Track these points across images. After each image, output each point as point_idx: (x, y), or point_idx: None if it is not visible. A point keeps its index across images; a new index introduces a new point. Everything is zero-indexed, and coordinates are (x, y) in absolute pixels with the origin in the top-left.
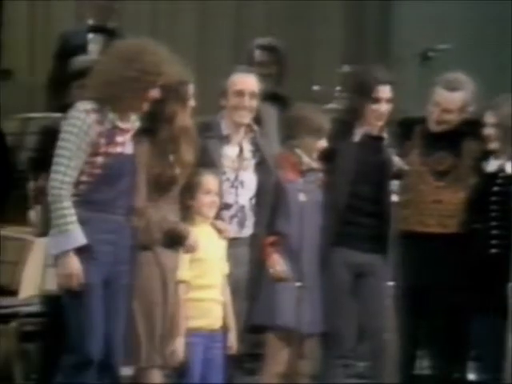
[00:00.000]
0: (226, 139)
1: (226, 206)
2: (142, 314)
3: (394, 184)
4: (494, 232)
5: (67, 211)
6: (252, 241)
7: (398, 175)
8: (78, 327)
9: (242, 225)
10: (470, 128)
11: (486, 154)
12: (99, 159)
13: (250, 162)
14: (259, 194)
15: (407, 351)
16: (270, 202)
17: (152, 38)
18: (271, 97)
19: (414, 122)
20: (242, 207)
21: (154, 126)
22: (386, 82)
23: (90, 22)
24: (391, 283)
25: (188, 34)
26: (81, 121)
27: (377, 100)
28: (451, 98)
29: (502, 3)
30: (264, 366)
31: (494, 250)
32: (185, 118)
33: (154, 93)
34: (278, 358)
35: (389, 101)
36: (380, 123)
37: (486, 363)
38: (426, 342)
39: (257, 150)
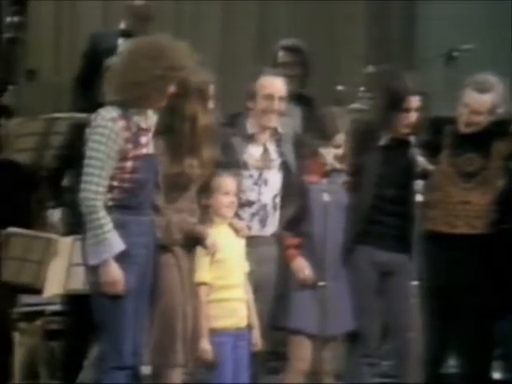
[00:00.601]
0: (250, 139)
1: (248, 203)
2: (161, 314)
3: (419, 184)
4: None
5: (104, 220)
6: (277, 240)
7: (423, 175)
8: (114, 332)
9: (263, 223)
10: (499, 129)
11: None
12: (128, 164)
13: (275, 162)
14: (283, 194)
15: (435, 351)
16: (294, 202)
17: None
18: (295, 98)
19: (440, 121)
20: (265, 205)
21: (173, 125)
22: (417, 93)
23: (122, 26)
24: (415, 282)
25: (212, 35)
26: (108, 129)
27: (407, 110)
28: (480, 99)
29: None
30: (288, 365)
31: None
32: (206, 118)
33: (173, 88)
34: (302, 357)
35: (418, 110)
36: (408, 131)
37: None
38: (453, 341)
39: (281, 151)
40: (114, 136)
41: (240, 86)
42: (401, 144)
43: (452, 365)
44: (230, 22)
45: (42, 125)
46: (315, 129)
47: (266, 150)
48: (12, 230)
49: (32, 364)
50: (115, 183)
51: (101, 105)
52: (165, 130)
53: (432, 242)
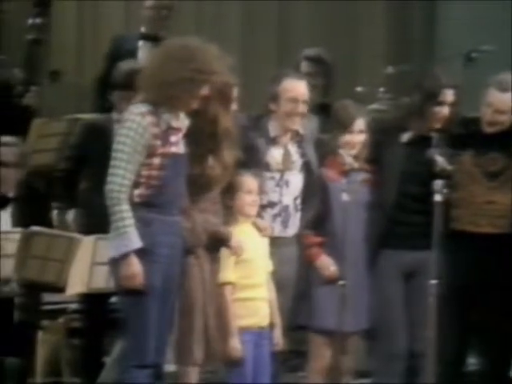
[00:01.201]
0: (272, 141)
1: (270, 204)
2: (181, 313)
3: (437, 184)
4: None
5: (126, 214)
6: (298, 240)
7: (442, 175)
8: (138, 330)
9: (285, 224)
10: None
11: None
12: (156, 160)
13: (296, 163)
14: (305, 194)
15: (454, 350)
16: (316, 202)
17: None
18: (318, 108)
19: (468, 121)
20: (286, 207)
21: (195, 127)
22: (451, 86)
23: (143, 29)
24: (435, 281)
25: (232, 39)
26: (136, 123)
27: (441, 103)
28: (503, 98)
29: None
30: (308, 363)
31: None
32: (227, 120)
33: (205, 91)
34: (322, 355)
35: (451, 104)
36: (438, 125)
37: None
38: (472, 340)
39: (302, 153)
40: (142, 130)
41: (260, 87)
42: (424, 141)
43: (472, 363)
44: (251, 23)
45: (65, 125)
46: (332, 121)
47: (287, 152)
48: (35, 228)
49: (55, 361)
50: (142, 180)
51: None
52: (187, 131)
53: (456, 241)
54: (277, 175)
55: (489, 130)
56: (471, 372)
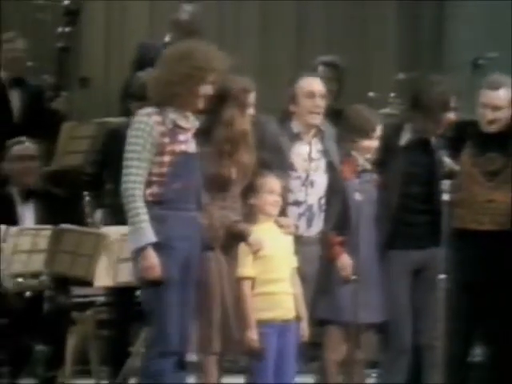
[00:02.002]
0: (297, 137)
1: (296, 203)
2: (201, 305)
3: (445, 184)
4: None
5: (140, 210)
6: (322, 239)
7: (450, 175)
8: (159, 319)
9: (309, 223)
10: None
11: None
12: (166, 158)
13: (321, 163)
14: (329, 193)
15: (461, 342)
16: (339, 201)
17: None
18: (332, 112)
19: (466, 124)
20: (311, 206)
21: (211, 128)
22: (456, 94)
23: (167, 38)
24: (443, 276)
25: (251, 47)
26: (143, 123)
27: (449, 110)
28: (496, 95)
29: None
30: (324, 355)
31: None
32: (243, 123)
33: (207, 90)
34: (338, 347)
35: (454, 109)
36: (444, 130)
37: None
38: (479, 333)
39: (325, 150)
40: (149, 129)
41: (279, 90)
42: (422, 143)
43: (477, 353)
44: (268, 37)
45: (93, 129)
46: (348, 126)
47: (311, 150)
48: (65, 226)
49: (84, 351)
50: (154, 178)
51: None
52: (204, 133)
53: (460, 239)
54: (303, 175)
55: (489, 129)
56: (476, 363)
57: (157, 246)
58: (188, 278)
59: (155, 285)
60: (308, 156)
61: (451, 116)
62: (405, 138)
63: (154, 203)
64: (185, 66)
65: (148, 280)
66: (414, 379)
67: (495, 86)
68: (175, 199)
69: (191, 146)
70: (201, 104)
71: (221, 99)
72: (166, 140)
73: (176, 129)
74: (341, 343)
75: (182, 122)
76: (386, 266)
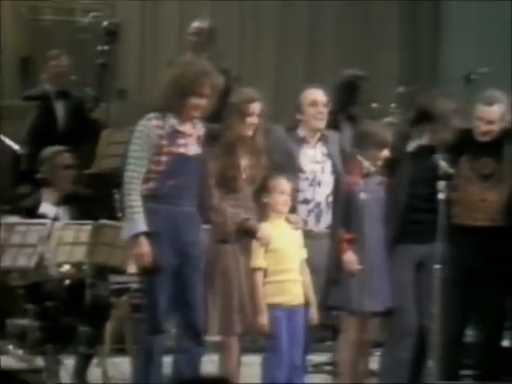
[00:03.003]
0: (303, 140)
1: (305, 201)
2: (221, 292)
3: (441, 184)
4: None
5: (134, 203)
6: (331, 235)
7: (445, 177)
8: (149, 301)
9: (318, 219)
10: (508, 136)
11: None
12: (163, 158)
13: (327, 165)
14: (335, 193)
15: (456, 324)
16: (343, 200)
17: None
18: (346, 117)
19: (463, 132)
20: (319, 203)
21: (215, 134)
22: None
23: (188, 53)
24: (438, 266)
25: (268, 60)
26: (143, 126)
27: (449, 122)
28: (491, 110)
29: None
30: (340, 337)
31: None
32: (241, 129)
33: (199, 101)
34: (351, 330)
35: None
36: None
37: None
38: (472, 315)
39: (328, 153)
40: (147, 131)
41: (291, 101)
42: (427, 149)
43: (469, 334)
44: (284, 49)
45: (129, 135)
46: (364, 139)
47: (316, 152)
48: (103, 221)
49: (120, 332)
50: (152, 175)
51: None
52: (212, 139)
53: (457, 233)
54: (310, 176)
55: (482, 139)
56: (469, 343)
57: (149, 236)
58: (188, 265)
59: (147, 270)
60: (314, 158)
61: (455, 126)
62: (412, 145)
63: (149, 197)
64: (177, 81)
65: (140, 265)
66: (418, 358)
67: (490, 102)
68: (168, 195)
69: (191, 149)
70: (195, 113)
71: (225, 108)
72: (164, 142)
73: (175, 133)
74: (354, 327)
75: (182, 128)
76: (393, 259)
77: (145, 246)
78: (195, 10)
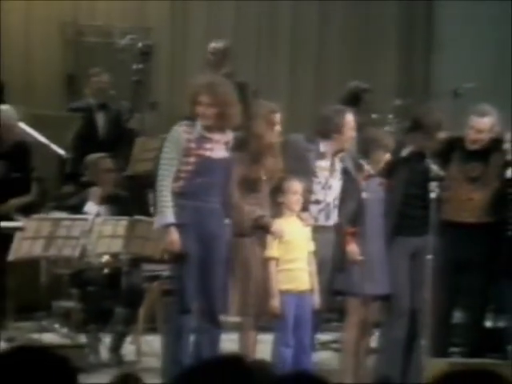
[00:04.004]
0: (322, 155)
1: (316, 202)
2: (240, 280)
3: (432, 185)
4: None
5: (164, 198)
6: (336, 229)
7: (435, 179)
8: (178, 284)
9: (327, 217)
10: (495, 145)
11: (507, 164)
12: (191, 159)
13: (337, 172)
14: (343, 194)
15: (447, 308)
16: (354, 200)
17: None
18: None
19: (453, 140)
20: (328, 204)
21: (245, 141)
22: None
23: (207, 70)
24: (431, 256)
25: (281, 75)
26: (174, 131)
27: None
28: (482, 121)
29: None
30: (346, 319)
31: (510, 233)
32: (270, 137)
33: (202, 109)
34: (355, 313)
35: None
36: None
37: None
38: (460, 299)
39: (342, 158)
40: (177, 135)
41: (303, 112)
42: (419, 155)
43: (457, 316)
44: (295, 65)
45: (160, 142)
46: (371, 144)
47: (333, 164)
48: (137, 217)
49: (152, 313)
50: (181, 174)
51: None
52: (240, 145)
53: (446, 228)
54: (323, 180)
55: (471, 147)
56: (457, 324)
57: (179, 228)
58: (211, 255)
59: (176, 256)
60: (329, 168)
61: (443, 135)
62: (406, 151)
63: (178, 194)
64: (187, 93)
65: (170, 252)
66: (412, 336)
67: (482, 114)
68: (195, 192)
69: (217, 153)
70: (209, 122)
71: (253, 118)
72: (193, 145)
73: (202, 138)
74: (358, 309)
75: (209, 134)
76: (391, 250)
77: (174, 235)
78: (218, 33)
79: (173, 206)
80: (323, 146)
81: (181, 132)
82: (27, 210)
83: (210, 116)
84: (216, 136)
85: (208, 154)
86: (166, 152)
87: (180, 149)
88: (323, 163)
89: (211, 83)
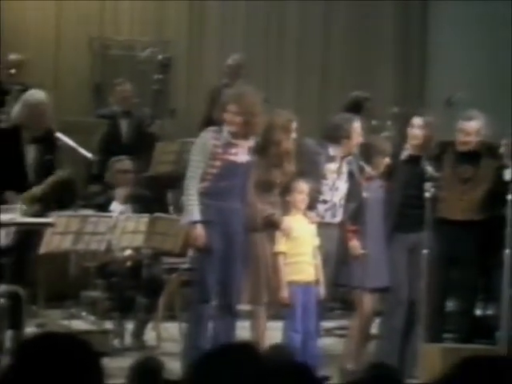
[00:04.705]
0: (331, 158)
1: (324, 201)
2: (252, 271)
3: (427, 185)
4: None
5: (191, 197)
6: (340, 227)
7: (430, 179)
8: (200, 275)
9: (333, 215)
10: (485, 149)
11: (502, 167)
12: (217, 163)
13: (344, 174)
14: (348, 195)
15: (440, 298)
16: (357, 199)
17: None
18: None
19: (446, 144)
20: (335, 204)
21: (265, 147)
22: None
23: (224, 80)
24: (426, 251)
25: (289, 85)
26: (202, 136)
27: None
28: (469, 124)
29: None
30: (357, 310)
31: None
32: (288, 143)
33: (228, 117)
34: (362, 304)
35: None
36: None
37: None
38: (452, 290)
39: (350, 167)
40: (204, 140)
41: (309, 119)
42: (416, 158)
43: (449, 305)
44: (302, 76)
45: (179, 146)
46: (373, 152)
47: (340, 166)
48: (157, 214)
49: (171, 302)
50: (207, 177)
51: None
52: (261, 151)
53: (440, 226)
54: (331, 183)
55: (461, 148)
56: (450, 312)
57: (204, 224)
58: (231, 250)
59: (200, 250)
60: (337, 170)
61: (435, 139)
62: (404, 155)
63: (204, 194)
64: (220, 101)
65: (195, 246)
66: (409, 324)
67: (469, 118)
68: (219, 193)
69: (241, 158)
70: (233, 128)
71: (272, 126)
72: (219, 150)
73: (228, 144)
74: (366, 300)
75: (235, 140)
76: (391, 245)
77: (200, 231)
78: (231, 47)
79: (198, 205)
80: (332, 150)
81: (208, 137)
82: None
83: (236, 123)
84: (240, 142)
85: (232, 158)
86: (194, 155)
87: (207, 153)
88: (332, 166)
89: (240, 94)
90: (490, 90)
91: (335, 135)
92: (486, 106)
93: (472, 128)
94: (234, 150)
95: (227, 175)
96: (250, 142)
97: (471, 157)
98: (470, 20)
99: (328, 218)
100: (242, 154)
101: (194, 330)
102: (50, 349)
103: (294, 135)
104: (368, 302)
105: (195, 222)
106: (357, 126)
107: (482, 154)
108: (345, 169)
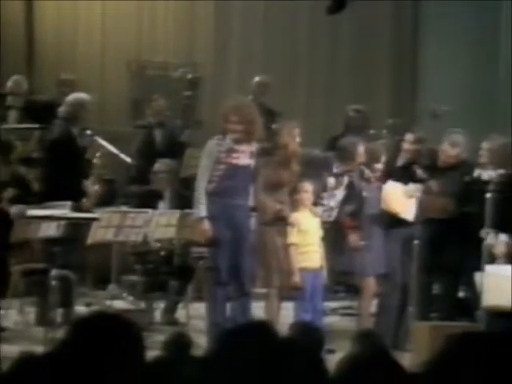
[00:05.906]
0: (334, 174)
1: (322, 205)
2: (263, 258)
3: (416, 186)
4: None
5: (199, 196)
6: (336, 223)
7: (419, 180)
8: (214, 262)
9: (329, 216)
10: (463, 166)
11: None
12: (221, 166)
13: (343, 185)
14: (346, 198)
15: (428, 283)
16: (356, 199)
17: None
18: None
19: (430, 152)
20: (331, 207)
21: (271, 150)
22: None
23: (250, 97)
24: (416, 241)
25: (299, 100)
26: (209, 143)
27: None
28: (452, 150)
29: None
30: (362, 293)
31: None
32: (294, 147)
33: (231, 126)
34: (368, 288)
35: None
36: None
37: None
38: (437, 275)
39: (350, 178)
40: (211, 147)
41: (315, 129)
42: (411, 164)
43: (435, 288)
44: (310, 95)
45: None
46: (369, 157)
47: (341, 179)
48: (187, 210)
49: (199, 285)
50: (214, 178)
51: None
52: (268, 154)
53: (426, 221)
54: (330, 191)
55: (442, 165)
56: (436, 294)
57: (211, 219)
58: (238, 240)
59: (209, 241)
60: (337, 181)
61: (423, 149)
62: (400, 161)
63: (211, 193)
64: (221, 112)
65: (204, 238)
66: (402, 304)
67: (452, 144)
68: (225, 192)
69: (243, 161)
70: (237, 136)
71: (280, 132)
72: (223, 155)
73: (231, 149)
74: (371, 285)
75: (237, 146)
76: (388, 238)
77: (206, 225)
78: (250, 70)
79: (206, 203)
80: (336, 168)
81: (214, 145)
82: None
83: (237, 131)
84: (242, 147)
85: (235, 161)
86: (203, 160)
87: (213, 158)
88: (333, 180)
89: (239, 105)
90: (476, 102)
91: (341, 156)
92: (471, 118)
93: (453, 153)
94: (236, 155)
95: (231, 176)
96: (252, 147)
97: (451, 170)
98: (459, 33)
99: (324, 217)
100: (243, 157)
101: (213, 310)
102: (101, 326)
103: (298, 139)
104: (372, 284)
105: (202, 218)
106: (361, 149)
107: (460, 168)
108: (345, 180)
